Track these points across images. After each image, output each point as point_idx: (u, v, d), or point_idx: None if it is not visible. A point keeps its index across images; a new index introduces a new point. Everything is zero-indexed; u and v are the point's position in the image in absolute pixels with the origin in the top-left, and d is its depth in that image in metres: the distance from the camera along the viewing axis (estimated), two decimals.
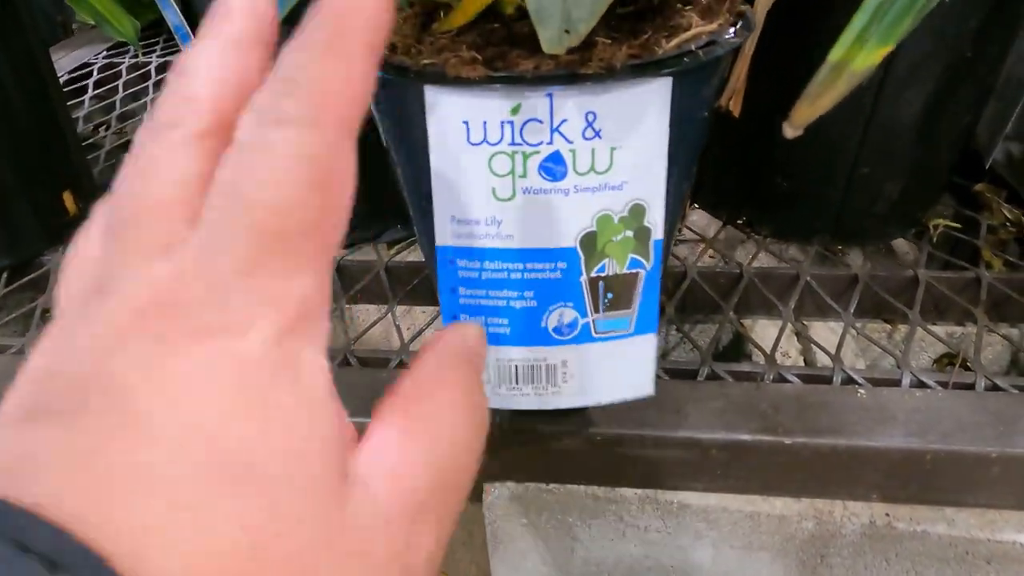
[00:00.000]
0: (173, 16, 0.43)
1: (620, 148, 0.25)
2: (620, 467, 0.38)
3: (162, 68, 0.87)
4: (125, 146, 0.71)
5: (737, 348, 0.51)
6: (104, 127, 0.76)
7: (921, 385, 0.39)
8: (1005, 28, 0.42)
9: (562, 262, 0.26)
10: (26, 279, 0.52)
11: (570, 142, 0.25)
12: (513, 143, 0.25)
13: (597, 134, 0.25)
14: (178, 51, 0.80)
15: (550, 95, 0.24)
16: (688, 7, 0.28)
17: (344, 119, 0.14)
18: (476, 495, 0.42)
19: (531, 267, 0.26)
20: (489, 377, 0.29)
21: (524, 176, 0.25)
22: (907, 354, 0.41)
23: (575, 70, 0.23)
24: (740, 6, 0.29)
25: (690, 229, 0.54)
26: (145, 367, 0.12)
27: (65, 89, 0.78)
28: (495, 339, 0.28)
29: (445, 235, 0.26)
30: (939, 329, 0.49)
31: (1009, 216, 0.52)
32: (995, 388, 0.38)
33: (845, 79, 0.20)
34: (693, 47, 0.25)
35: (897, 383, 0.39)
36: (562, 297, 0.27)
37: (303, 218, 0.14)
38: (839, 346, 0.42)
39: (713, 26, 0.27)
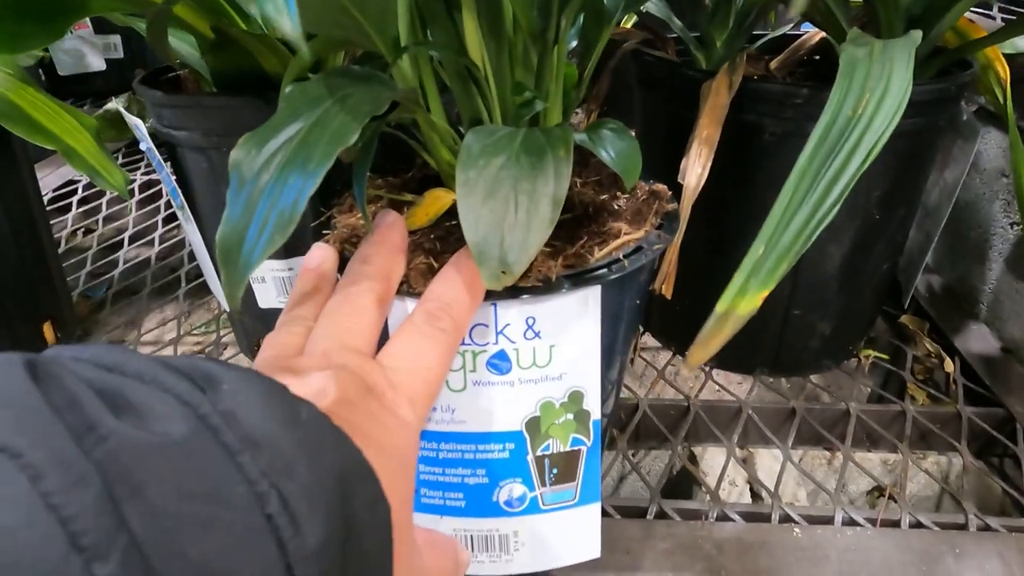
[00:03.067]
0: (169, 184, 0.47)
1: (558, 345, 0.29)
2: None
3: (145, 186, 0.91)
4: (104, 259, 0.74)
5: (688, 476, 0.54)
6: (84, 233, 0.78)
7: (852, 523, 0.42)
8: (909, 193, 0.47)
9: (510, 443, 0.29)
10: None
11: (513, 342, 0.28)
12: (464, 343, 0.28)
13: (537, 335, 0.28)
14: (152, 172, 0.82)
15: (495, 305, 0.27)
16: (619, 211, 0.33)
17: None
18: None
19: (482, 448, 0.29)
20: None
21: (474, 371, 0.28)
22: (839, 491, 0.44)
23: (516, 284, 0.27)
24: (667, 205, 0.34)
25: (642, 357, 0.58)
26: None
27: (49, 208, 0.82)
28: (451, 511, 0.30)
29: None
30: (873, 455, 0.53)
31: (930, 348, 0.57)
32: (919, 525, 0.42)
33: (731, 324, 0.24)
34: (621, 255, 0.29)
35: (831, 520, 0.42)
36: (511, 474, 0.30)
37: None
38: (778, 481, 0.46)
39: (640, 233, 0.31)
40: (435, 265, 0.29)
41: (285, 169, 0.23)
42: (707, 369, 0.56)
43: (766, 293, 0.24)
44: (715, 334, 0.24)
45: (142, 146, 0.48)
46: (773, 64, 0.52)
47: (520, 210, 0.24)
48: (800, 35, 0.54)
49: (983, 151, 0.60)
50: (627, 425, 0.51)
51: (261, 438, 0.16)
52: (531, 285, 0.27)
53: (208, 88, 0.46)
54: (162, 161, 0.48)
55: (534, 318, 0.28)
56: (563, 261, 0.29)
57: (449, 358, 0.26)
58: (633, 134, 0.30)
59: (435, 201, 0.32)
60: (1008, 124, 0.50)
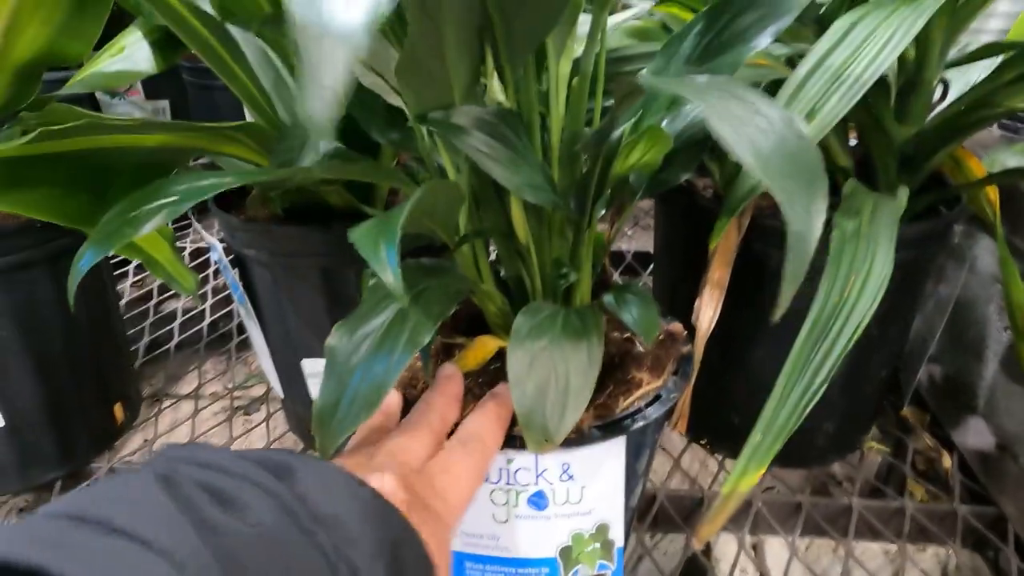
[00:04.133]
0: (236, 289, 0.53)
1: (588, 486, 0.33)
2: None
3: (196, 253, 0.98)
4: (156, 348, 0.80)
5: (701, 563, 0.58)
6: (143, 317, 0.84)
7: None
8: (904, 311, 0.52)
9: (545, 568, 0.34)
10: (80, 488, 0.59)
11: (550, 483, 0.33)
12: (508, 483, 0.33)
13: (571, 477, 0.33)
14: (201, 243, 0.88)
15: (536, 454, 0.32)
16: (641, 356, 0.38)
17: None
18: None
19: (522, 571, 0.34)
20: None
21: (516, 506, 0.33)
22: None
23: None
24: (682, 348, 0.39)
25: (661, 447, 0.62)
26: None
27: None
28: None
29: (457, 543, 0.34)
30: (876, 545, 0.57)
31: (929, 443, 0.61)
32: None
33: (735, 501, 0.28)
34: (643, 403, 0.34)
35: None
36: None
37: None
38: (787, 570, 0.50)
39: (659, 382, 0.36)
40: None
41: (372, 356, 0.29)
42: (720, 459, 0.60)
43: (763, 471, 0.28)
44: (721, 512, 0.28)
45: (213, 256, 0.54)
46: None
47: (559, 389, 0.29)
48: None
49: (978, 256, 0.64)
50: (645, 513, 0.55)
51: (329, 516, 0.22)
52: (567, 437, 0.32)
53: (275, 210, 0.52)
54: (231, 269, 0.53)
55: (568, 464, 0.33)
56: (594, 412, 0.34)
57: (481, 474, 0.31)
58: (652, 298, 0.35)
59: (483, 347, 0.37)
60: (998, 240, 0.55)
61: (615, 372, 0.37)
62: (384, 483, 0.26)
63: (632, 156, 0.33)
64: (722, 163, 0.52)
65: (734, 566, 0.52)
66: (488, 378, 0.37)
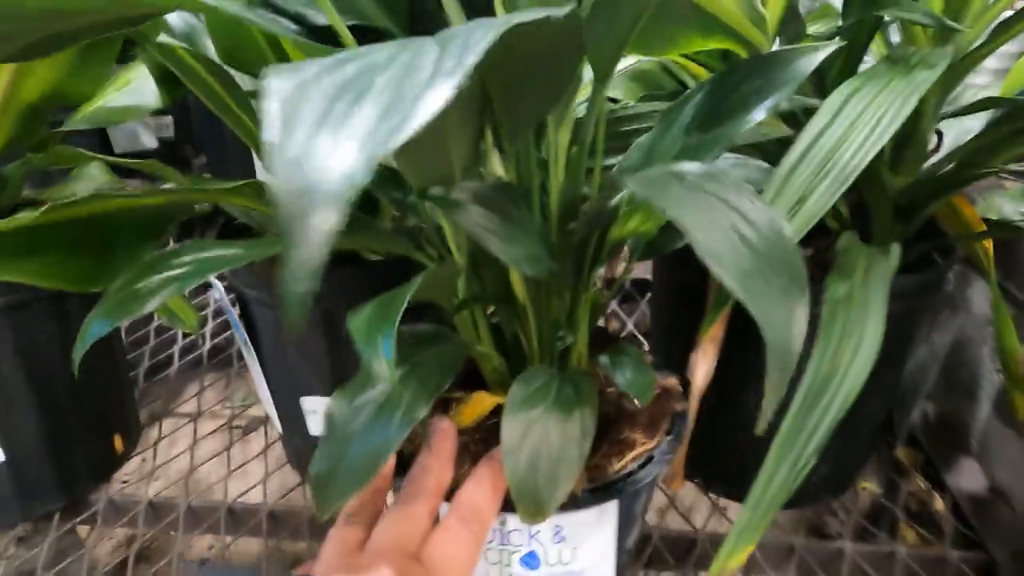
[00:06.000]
0: (237, 328, 0.54)
1: (580, 547, 0.34)
2: None
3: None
4: (156, 372, 0.80)
5: None
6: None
7: None
8: (897, 359, 0.53)
9: None
10: (79, 519, 0.59)
11: (542, 544, 0.34)
12: (501, 544, 0.34)
13: (563, 539, 0.34)
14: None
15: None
16: (635, 414, 0.38)
17: None
18: None
19: None
20: None
21: (509, 566, 0.34)
22: None
23: None
24: (677, 405, 0.39)
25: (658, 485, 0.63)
26: None
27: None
28: None
29: None
30: None
31: (922, 485, 0.61)
32: None
33: None
34: (636, 465, 0.35)
35: None
36: None
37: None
38: None
39: (653, 443, 0.36)
40: None
41: (370, 425, 0.29)
42: (714, 499, 0.60)
43: (751, 549, 0.29)
44: None
45: (215, 295, 0.55)
46: None
47: (551, 460, 0.30)
48: None
49: (972, 298, 0.65)
50: (640, 553, 0.56)
51: None
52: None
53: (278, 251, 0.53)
54: (232, 308, 0.54)
55: (561, 527, 0.33)
56: (587, 475, 0.34)
57: (478, 551, 0.32)
58: (648, 360, 0.36)
59: (480, 403, 0.38)
60: (991, 286, 0.56)
61: (609, 431, 0.37)
62: None
63: (629, 224, 0.34)
64: None
65: None
66: (484, 434, 0.37)
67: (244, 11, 0.23)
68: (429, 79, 0.15)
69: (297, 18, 0.27)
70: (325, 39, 0.28)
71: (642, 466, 0.35)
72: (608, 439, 0.36)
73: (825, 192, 0.29)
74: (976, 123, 0.56)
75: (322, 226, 0.14)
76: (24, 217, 0.31)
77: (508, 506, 0.33)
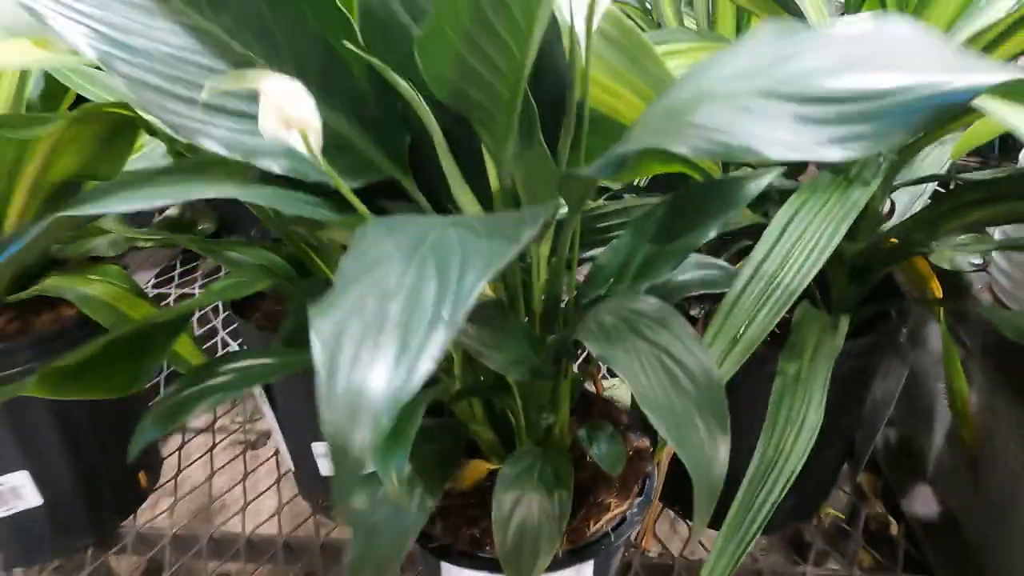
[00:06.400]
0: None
1: None
2: None
3: (180, 298, 1.03)
4: None
5: None
6: None
7: None
8: (852, 404, 0.58)
9: None
10: (110, 552, 0.65)
11: None
12: None
13: None
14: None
15: None
16: (611, 478, 0.44)
17: None
18: None
19: None
20: None
21: None
22: None
23: None
24: (647, 467, 0.45)
25: None
26: None
27: None
28: None
29: None
30: None
31: (880, 511, 0.67)
32: None
33: None
34: (610, 528, 0.40)
35: None
36: None
37: None
38: None
39: (625, 506, 0.42)
40: (477, 535, 0.40)
41: (391, 516, 0.35)
42: (691, 524, 0.66)
43: None
44: None
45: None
46: None
47: (534, 534, 0.35)
48: None
49: (928, 337, 0.70)
50: None
51: None
52: None
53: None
54: None
55: None
56: (567, 537, 0.40)
57: None
58: (623, 430, 0.41)
59: (476, 469, 0.43)
60: (942, 332, 0.61)
61: (587, 496, 0.42)
62: None
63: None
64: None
65: None
66: (479, 498, 0.42)
67: (275, 200, 0.28)
68: (429, 327, 0.20)
69: (317, 187, 0.32)
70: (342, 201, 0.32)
71: (616, 528, 0.41)
72: (586, 503, 0.42)
73: (766, 317, 0.34)
74: (927, 188, 0.61)
75: (363, 443, 0.19)
76: (81, 352, 0.37)
77: (496, 570, 0.38)
